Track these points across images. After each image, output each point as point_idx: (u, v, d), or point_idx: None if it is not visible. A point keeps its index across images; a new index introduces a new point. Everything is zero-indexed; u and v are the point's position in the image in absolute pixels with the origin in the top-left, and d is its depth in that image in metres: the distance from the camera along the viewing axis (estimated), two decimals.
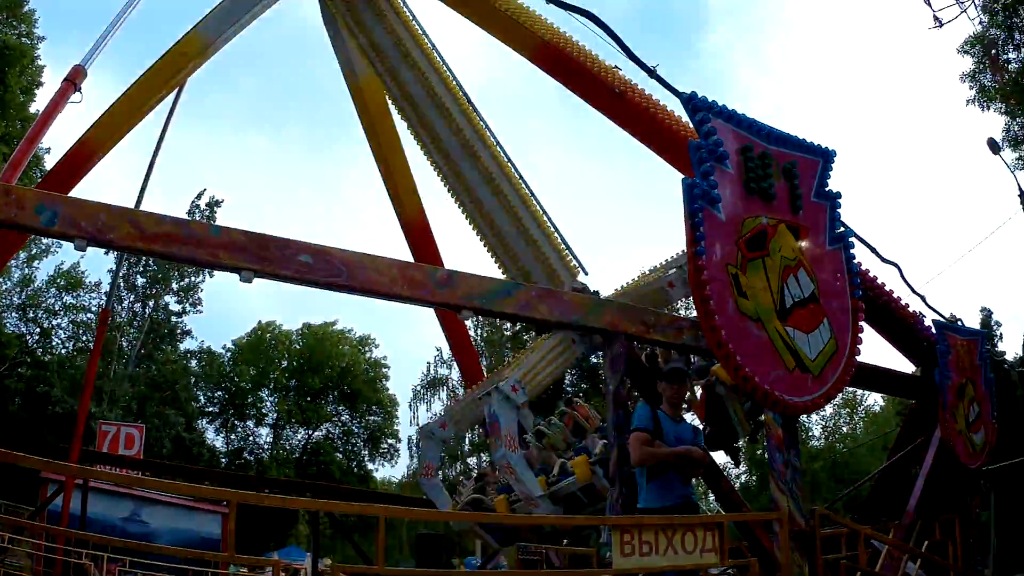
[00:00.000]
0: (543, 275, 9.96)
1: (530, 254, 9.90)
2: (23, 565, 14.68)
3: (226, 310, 69.82)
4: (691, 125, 6.82)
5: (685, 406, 7.36)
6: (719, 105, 6.73)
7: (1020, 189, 20.06)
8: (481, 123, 10.05)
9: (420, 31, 10.56)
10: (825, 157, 7.42)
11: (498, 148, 10.01)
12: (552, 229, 10.13)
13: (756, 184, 6.72)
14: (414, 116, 9.97)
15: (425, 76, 9.80)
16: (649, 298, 9.84)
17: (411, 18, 10.98)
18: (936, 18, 9.39)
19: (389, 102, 10.52)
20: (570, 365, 11.23)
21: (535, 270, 9.94)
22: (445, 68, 10.19)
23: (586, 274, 10.25)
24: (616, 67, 8.31)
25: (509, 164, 10.06)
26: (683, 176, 6.33)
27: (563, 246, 10.19)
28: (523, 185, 10.08)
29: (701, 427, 7.19)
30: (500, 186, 9.85)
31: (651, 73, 6.93)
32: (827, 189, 7.36)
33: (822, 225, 7.24)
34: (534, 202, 10.08)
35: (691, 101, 6.60)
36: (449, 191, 10.18)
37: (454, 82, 10.25)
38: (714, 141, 6.49)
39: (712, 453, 9.36)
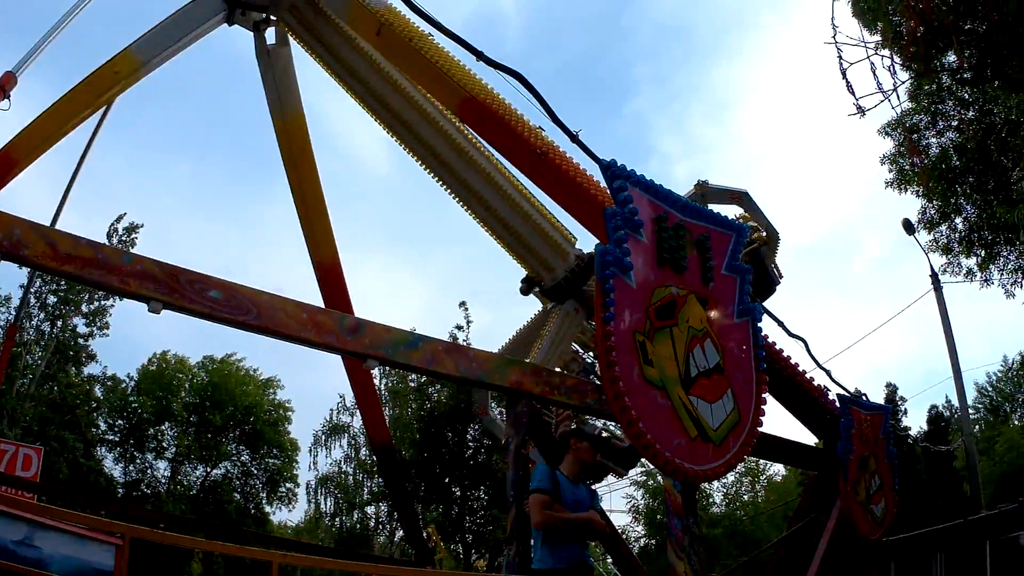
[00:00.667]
0: (547, 247, 10.09)
1: (534, 233, 10.01)
2: None
3: (133, 335, 68.52)
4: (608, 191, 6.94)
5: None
6: (637, 175, 6.86)
7: (932, 270, 20.87)
8: (464, 128, 10.20)
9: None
10: (738, 232, 7.60)
11: (479, 143, 10.14)
12: (542, 206, 10.30)
13: (669, 254, 6.84)
14: (403, 130, 10.00)
15: (407, 91, 9.87)
16: None
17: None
18: (859, 107, 9.71)
19: (364, 110, 10.51)
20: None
21: (539, 244, 10.04)
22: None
23: (576, 239, 10.50)
24: (540, 128, 8.45)
25: (492, 155, 10.20)
26: (597, 242, 6.44)
27: (555, 219, 10.35)
28: (508, 172, 10.21)
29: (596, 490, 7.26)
30: (492, 175, 9.94)
31: (573, 138, 7.06)
32: (738, 263, 7.53)
33: (731, 298, 7.38)
34: (521, 185, 10.21)
35: (609, 169, 6.72)
36: (452, 195, 10.23)
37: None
38: (630, 209, 6.60)
39: None
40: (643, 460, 7.95)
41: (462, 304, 31.24)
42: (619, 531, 9.77)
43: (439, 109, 9.96)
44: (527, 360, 10.66)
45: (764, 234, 11.52)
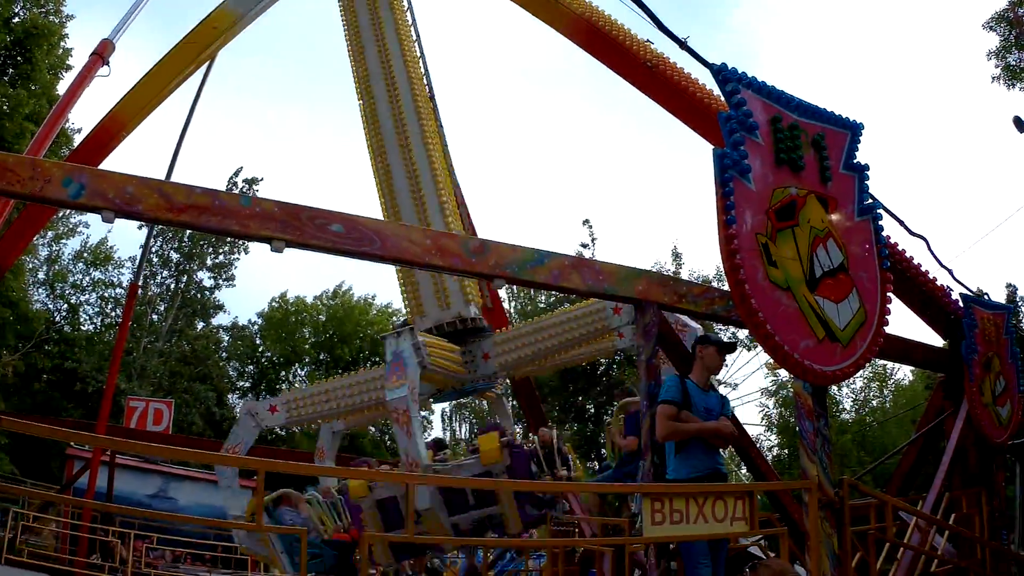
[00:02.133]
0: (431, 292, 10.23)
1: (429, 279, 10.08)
2: (47, 545, 14.84)
3: (258, 286, 69.88)
4: (721, 97, 6.81)
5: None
6: (749, 76, 6.73)
7: None
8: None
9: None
10: (853, 130, 7.40)
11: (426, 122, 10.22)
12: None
13: (786, 155, 6.72)
14: (367, 100, 10.16)
15: (390, 63, 10.01)
16: (586, 320, 9.87)
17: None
18: None
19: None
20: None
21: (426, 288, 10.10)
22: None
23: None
24: (648, 41, 8.32)
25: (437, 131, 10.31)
26: (714, 147, 6.35)
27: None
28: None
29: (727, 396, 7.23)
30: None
31: (682, 45, 6.93)
32: (855, 161, 7.35)
33: (850, 197, 7.24)
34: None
35: (721, 72, 6.61)
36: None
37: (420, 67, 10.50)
38: (744, 112, 6.49)
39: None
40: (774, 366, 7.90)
41: (586, 222, 30.84)
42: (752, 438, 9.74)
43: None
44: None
45: None
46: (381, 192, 9.93)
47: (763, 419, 40.33)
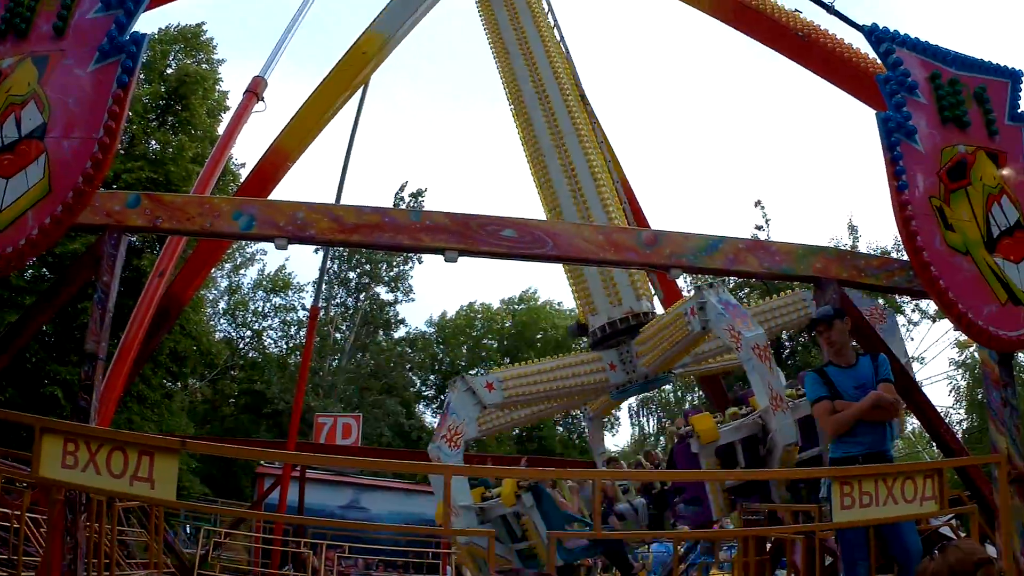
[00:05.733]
0: (601, 291, 9.81)
1: (597, 275, 9.66)
2: (239, 560, 15.61)
3: (434, 296, 71.35)
4: (878, 60, 6.64)
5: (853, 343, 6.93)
6: (902, 35, 6.55)
7: None
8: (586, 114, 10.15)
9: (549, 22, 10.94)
10: (1014, 78, 7.06)
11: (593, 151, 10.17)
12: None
13: (950, 112, 6.50)
14: (527, 131, 10.26)
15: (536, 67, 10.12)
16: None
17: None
18: None
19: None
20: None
21: (595, 286, 9.76)
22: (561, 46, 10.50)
23: (650, 294, 10.32)
24: (797, 10, 8.17)
25: (610, 176, 10.14)
26: (876, 111, 6.21)
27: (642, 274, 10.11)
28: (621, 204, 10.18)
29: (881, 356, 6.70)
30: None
31: (830, 9, 6.83)
32: (1020, 111, 7.00)
33: (1019, 148, 6.90)
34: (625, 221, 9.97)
35: (873, 33, 6.46)
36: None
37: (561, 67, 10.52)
38: (902, 72, 6.33)
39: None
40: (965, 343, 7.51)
41: (758, 203, 29.64)
42: (941, 413, 9.21)
43: (571, 114, 10.01)
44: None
45: None
46: (543, 194, 9.98)
47: (951, 391, 38.29)
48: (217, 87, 27.86)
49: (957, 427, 36.91)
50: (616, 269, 9.48)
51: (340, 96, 11.41)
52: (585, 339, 10.61)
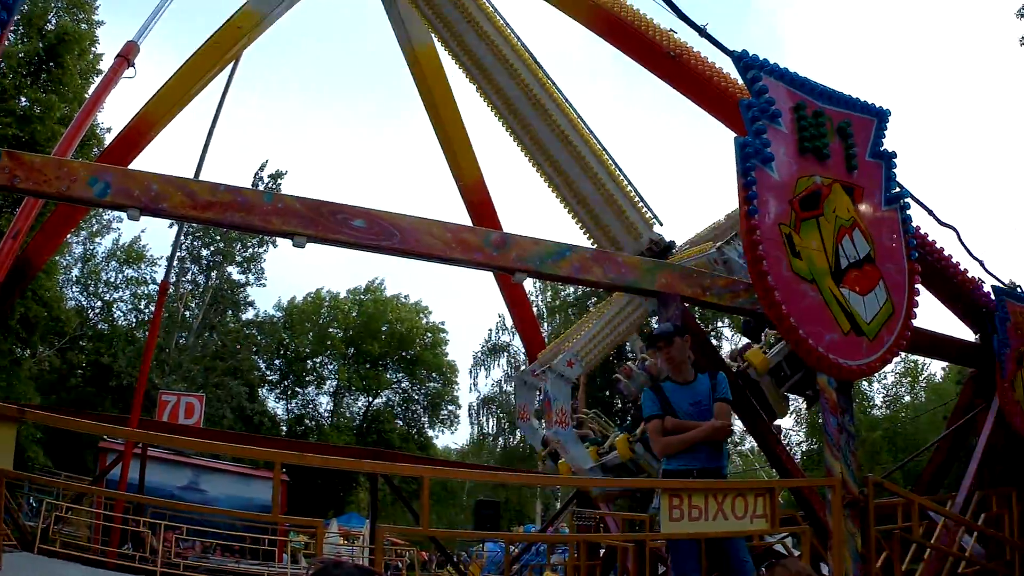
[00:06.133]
0: (620, 226, 9.82)
1: (606, 207, 9.78)
2: (80, 535, 15.05)
3: (288, 280, 70.56)
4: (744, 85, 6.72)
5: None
6: (771, 63, 6.64)
7: None
8: (549, 82, 10.00)
9: None
10: (880, 116, 7.29)
11: (567, 105, 9.95)
12: (625, 182, 10.02)
13: (810, 143, 6.62)
14: (483, 80, 9.93)
15: (491, 39, 9.76)
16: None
17: None
18: None
19: (458, 69, 10.46)
20: (636, 328, 11.07)
21: (611, 222, 9.82)
22: (509, 31, 10.22)
23: (660, 224, 10.13)
24: (672, 30, 8.24)
25: (579, 120, 9.99)
26: (735, 135, 6.27)
27: (637, 197, 10.10)
28: (594, 140, 9.99)
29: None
30: (572, 141, 9.78)
31: (701, 32, 6.88)
32: (882, 149, 7.22)
33: (877, 185, 7.12)
34: (606, 156, 9.96)
35: (742, 59, 6.52)
36: (523, 151, 10.08)
37: (519, 44, 10.22)
38: (766, 99, 6.41)
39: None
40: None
41: None
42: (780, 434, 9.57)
43: (528, 65, 9.77)
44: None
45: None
46: (553, 185, 9.83)
47: (792, 414, 39.96)
48: (93, 48, 26.94)
49: (796, 448, 38.55)
50: (624, 202, 9.54)
51: (211, 69, 11.03)
52: None
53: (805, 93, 6.79)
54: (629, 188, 9.94)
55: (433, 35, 10.24)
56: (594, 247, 7.65)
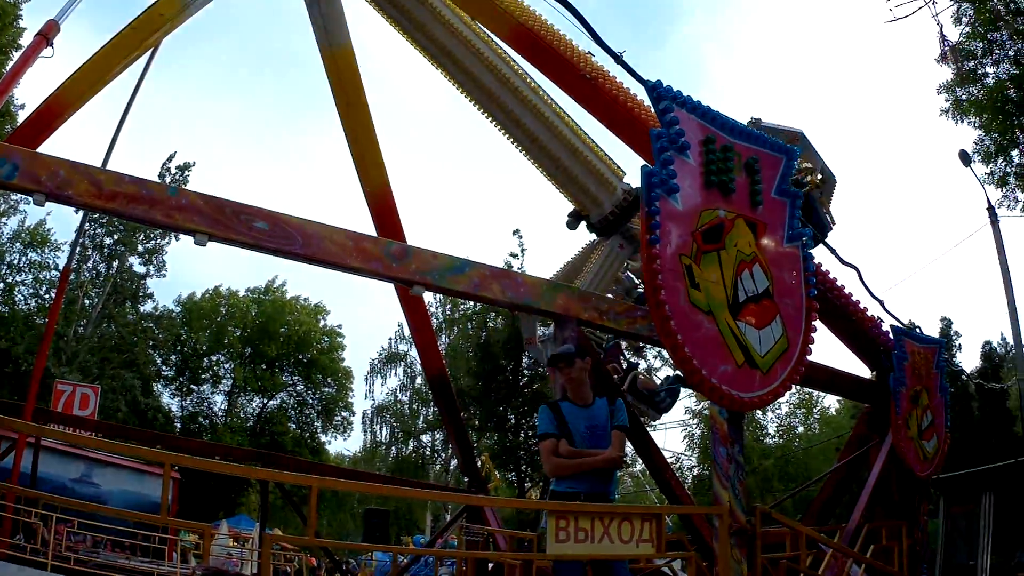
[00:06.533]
0: (594, 181, 9.94)
1: (580, 166, 9.87)
2: None
3: (191, 275, 69.93)
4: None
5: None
6: (684, 96, 6.72)
7: (989, 203, 20.24)
8: (507, 56, 10.05)
9: None
10: (788, 155, 7.42)
11: (528, 77, 10.02)
12: (589, 140, 10.14)
13: (716, 177, 6.69)
14: (450, 63, 9.91)
15: (453, 25, 9.75)
16: None
17: None
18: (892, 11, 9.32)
19: (421, 55, 10.39)
20: (614, 280, 11.18)
21: (587, 180, 9.92)
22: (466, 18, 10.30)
23: (625, 174, 10.36)
24: (590, 53, 8.30)
25: (539, 88, 10.07)
26: (642, 164, 6.34)
27: (603, 153, 10.21)
28: (555, 105, 10.09)
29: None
30: (542, 110, 9.83)
31: (617, 59, 6.92)
32: (788, 187, 7.36)
33: (781, 222, 7.23)
34: (568, 118, 10.05)
35: (655, 90, 6.58)
36: (496, 126, 10.10)
37: (478, 27, 10.28)
38: (676, 131, 6.47)
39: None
40: (691, 388, 7.73)
41: (516, 232, 31.15)
42: (671, 459, 9.70)
43: (486, 42, 9.81)
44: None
45: (819, 177, 11.23)
46: (528, 153, 9.78)
47: (685, 437, 40.66)
48: (15, 24, 26.02)
49: (688, 473, 39.21)
50: (594, 159, 9.54)
51: (129, 55, 10.74)
52: (587, 227, 10.82)
53: (716, 127, 6.88)
54: (596, 146, 10.13)
55: (392, 25, 10.18)
56: (497, 267, 7.64)
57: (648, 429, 8.88)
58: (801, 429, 44.94)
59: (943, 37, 14.96)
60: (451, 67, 9.78)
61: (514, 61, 9.91)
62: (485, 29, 9.71)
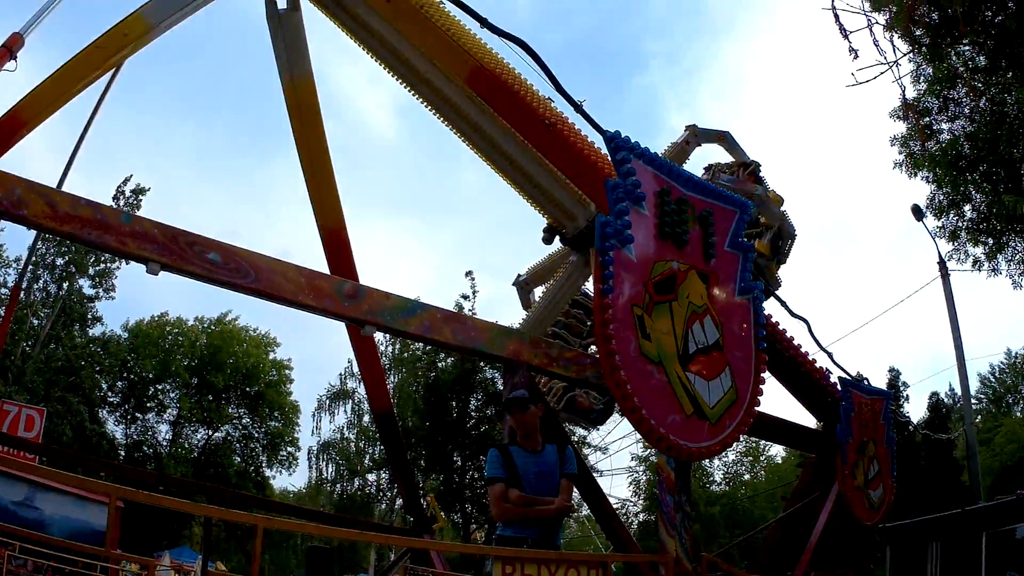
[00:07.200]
0: (567, 197, 9.90)
1: (554, 183, 9.87)
2: None
3: (141, 300, 69.00)
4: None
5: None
6: (641, 147, 6.80)
7: (940, 257, 20.68)
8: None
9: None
10: (742, 209, 7.54)
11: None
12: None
13: (671, 228, 6.78)
14: (421, 84, 9.90)
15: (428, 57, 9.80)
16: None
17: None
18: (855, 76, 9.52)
19: (396, 80, 10.40)
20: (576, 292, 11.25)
21: (561, 195, 9.90)
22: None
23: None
24: (550, 99, 8.36)
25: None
26: (597, 214, 6.39)
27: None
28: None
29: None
30: (515, 134, 9.88)
31: (577, 107, 7.00)
32: (741, 240, 7.47)
33: (733, 275, 7.33)
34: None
35: (614, 140, 6.66)
36: (476, 152, 10.09)
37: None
38: (632, 182, 6.55)
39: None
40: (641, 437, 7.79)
41: (468, 274, 31.32)
42: (617, 505, 9.73)
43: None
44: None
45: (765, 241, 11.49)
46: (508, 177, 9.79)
47: (631, 484, 40.72)
48: None
49: (634, 519, 39.23)
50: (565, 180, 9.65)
51: (90, 74, 10.58)
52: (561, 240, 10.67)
53: (672, 179, 6.97)
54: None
55: (369, 53, 10.17)
56: (452, 309, 7.64)
57: (594, 475, 8.87)
58: (748, 476, 45.29)
59: (905, 100, 15.30)
60: (421, 87, 9.79)
61: None
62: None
